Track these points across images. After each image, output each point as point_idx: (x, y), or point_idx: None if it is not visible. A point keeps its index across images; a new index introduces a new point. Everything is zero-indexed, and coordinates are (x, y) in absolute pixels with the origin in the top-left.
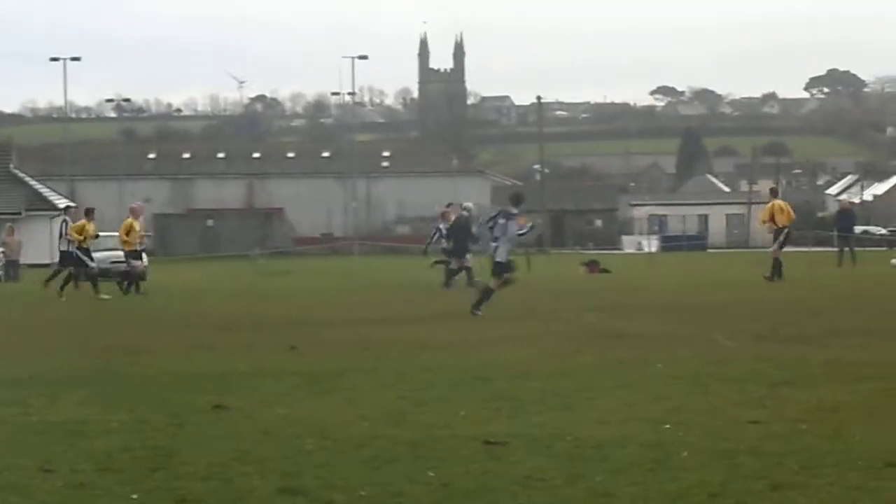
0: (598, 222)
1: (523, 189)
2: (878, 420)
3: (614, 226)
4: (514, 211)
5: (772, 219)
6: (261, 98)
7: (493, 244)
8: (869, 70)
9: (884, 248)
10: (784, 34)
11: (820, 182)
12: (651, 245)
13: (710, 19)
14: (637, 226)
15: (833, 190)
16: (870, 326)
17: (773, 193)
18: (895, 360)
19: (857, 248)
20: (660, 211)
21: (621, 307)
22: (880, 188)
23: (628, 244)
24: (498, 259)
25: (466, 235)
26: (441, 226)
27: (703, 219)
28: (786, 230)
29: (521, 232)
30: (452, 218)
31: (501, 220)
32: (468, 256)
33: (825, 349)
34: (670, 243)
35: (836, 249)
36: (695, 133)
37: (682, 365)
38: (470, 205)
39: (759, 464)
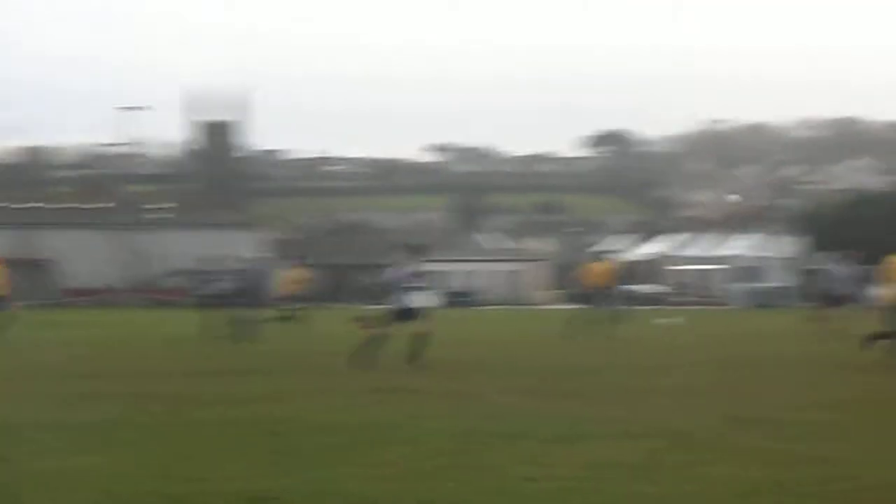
0: (375, 277)
1: (301, 243)
2: (645, 477)
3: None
4: (419, 261)
5: (593, 277)
6: (35, 148)
7: (403, 294)
8: (646, 130)
9: (653, 307)
10: (562, 93)
11: (594, 240)
12: (428, 300)
13: (487, 76)
14: None
15: (606, 248)
16: (626, 384)
17: (598, 257)
18: (665, 417)
19: (625, 307)
20: (436, 267)
21: (400, 363)
22: (654, 247)
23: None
24: (409, 306)
25: (256, 288)
26: (227, 277)
27: (479, 275)
28: (601, 291)
29: (419, 282)
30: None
31: (407, 270)
32: (259, 310)
33: (595, 406)
34: (447, 299)
35: (605, 308)
36: (471, 190)
37: (460, 421)
38: (258, 256)
39: None
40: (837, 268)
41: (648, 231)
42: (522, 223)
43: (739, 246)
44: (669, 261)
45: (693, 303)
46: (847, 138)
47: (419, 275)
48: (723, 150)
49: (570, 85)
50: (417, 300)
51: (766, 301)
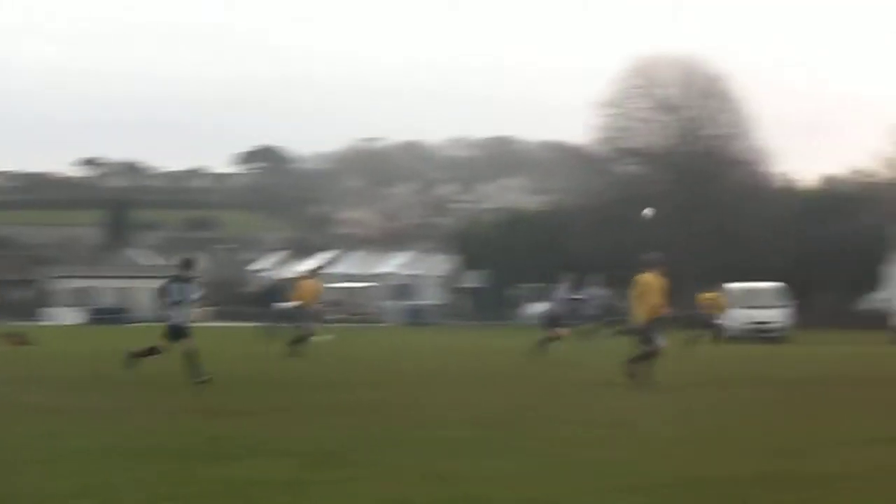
0: (21, 293)
1: None
2: (287, 496)
3: (36, 297)
4: (189, 274)
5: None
6: None
7: (171, 309)
8: (298, 146)
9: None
10: (213, 108)
11: (247, 257)
12: (77, 317)
13: (129, 91)
14: (60, 298)
15: (260, 265)
16: (288, 402)
17: (312, 273)
18: (314, 435)
19: (280, 324)
20: (84, 283)
21: (41, 380)
22: (307, 264)
23: (51, 316)
24: (175, 322)
25: None
26: None
27: (129, 292)
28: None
29: (196, 296)
30: None
31: (178, 285)
32: None
33: (242, 424)
34: (98, 316)
35: (259, 325)
36: (120, 205)
37: (98, 439)
38: None
39: None
40: (559, 290)
41: (301, 248)
42: (173, 239)
43: (393, 264)
44: (322, 278)
45: (346, 320)
46: (500, 157)
47: (194, 290)
48: (376, 167)
49: (220, 100)
50: (188, 316)
51: (418, 318)
